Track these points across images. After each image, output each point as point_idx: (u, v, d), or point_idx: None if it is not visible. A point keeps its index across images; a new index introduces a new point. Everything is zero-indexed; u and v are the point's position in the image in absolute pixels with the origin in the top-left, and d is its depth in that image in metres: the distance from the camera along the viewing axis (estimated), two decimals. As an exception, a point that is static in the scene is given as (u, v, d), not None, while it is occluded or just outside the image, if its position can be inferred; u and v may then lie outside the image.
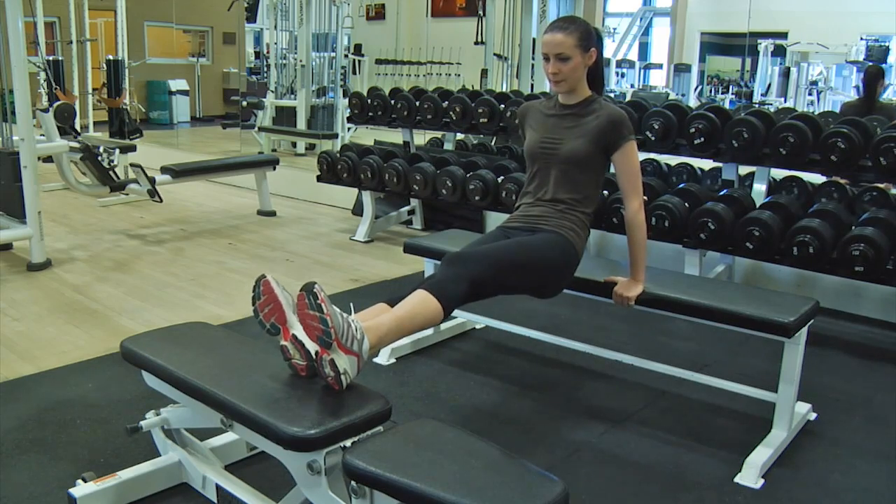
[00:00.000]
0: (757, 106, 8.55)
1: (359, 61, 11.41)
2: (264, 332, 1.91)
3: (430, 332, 3.30)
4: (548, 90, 7.65)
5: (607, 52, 12.56)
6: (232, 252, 4.95)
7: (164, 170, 5.59)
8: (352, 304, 1.91)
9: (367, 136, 7.64)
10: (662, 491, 2.30)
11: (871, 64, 7.54)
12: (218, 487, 2.08)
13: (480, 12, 8.67)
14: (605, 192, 4.06)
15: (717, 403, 2.85)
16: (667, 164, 5.03)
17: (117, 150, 6.38)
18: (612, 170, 2.60)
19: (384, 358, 3.17)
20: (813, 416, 2.79)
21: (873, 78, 5.48)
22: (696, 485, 2.34)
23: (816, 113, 5.72)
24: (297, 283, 2.14)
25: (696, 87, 11.36)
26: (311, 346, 1.84)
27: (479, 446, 1.69)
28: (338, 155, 5.41)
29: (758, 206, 3.89)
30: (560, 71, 2.44)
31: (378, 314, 2.12)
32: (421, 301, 2.09)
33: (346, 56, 10.33)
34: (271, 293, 1.87)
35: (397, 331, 2.03)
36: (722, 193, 3.98)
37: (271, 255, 4.89)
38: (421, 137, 6.18)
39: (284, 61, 9.77)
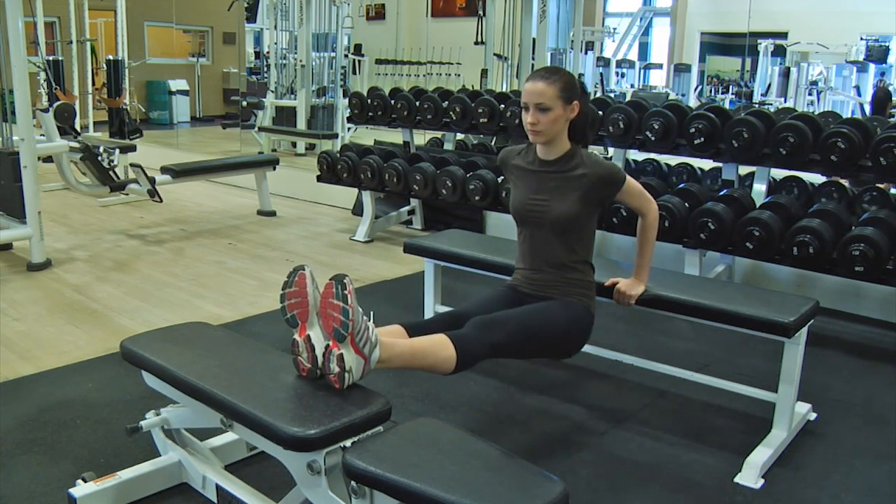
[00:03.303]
0: (757, 106, 8.54)
1: (359, 61, 11.40)
2: (283, 319, 1.91)
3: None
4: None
5: (607, 52, 12.56)
6: (232, 252, 4.95)
7: (164, 170, 5.59)
8: (371, 313, 1.92)
9: (367, 136, 7.64)
10: (662, 491, 2.30)
11: (879, 87, 7.60)
12: (218, 487, 2.08)
13: (480, 12, 8.67)
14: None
15: (717, 403, 2.85)
16: (667, 164, 5.04)
17: (117, 150, 6.38)
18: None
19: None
20: (813, 416, 2.79)
21: (881, 102, 5.52)
22: (696, 485, 2.34)
23: (816, 113, 5.72)
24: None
25: (696, 87, 11.36)
26: (320, 348, 1.84)
27: (479, 446, 1.69)
28: (338, 155, 5.42)
29: (758, 206, 3.89)
30: (539, 122, 2.30)
31: (393, 333, 2.12)
32: (440, 345, 2.09)
33: (346, 56, 10.33)
34: (303, 288, 1.87)
35: (409, 360, 2.03)
36: (722, 193, 3.98)
37: (271, 255, 4.89)
38: (421, 137, 6.18)
39: (284, 61, 9.77)
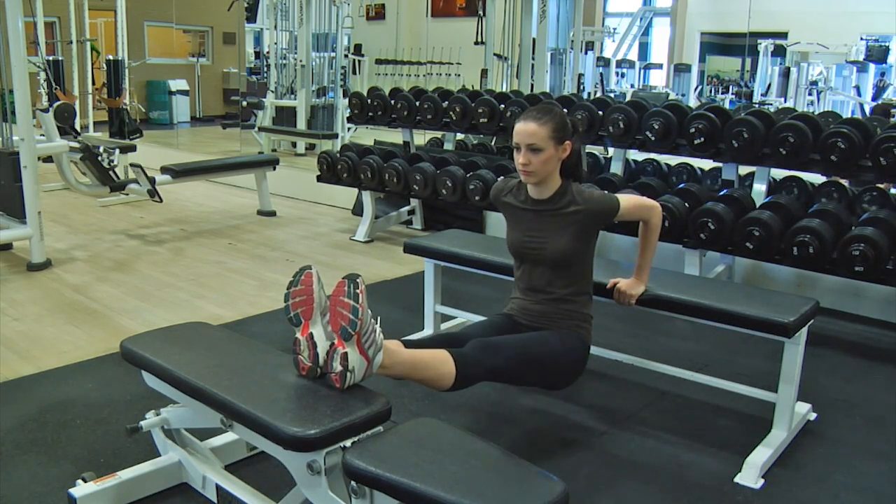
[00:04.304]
0: (757, 106, 8.54)
1: (359, 61, 11.40)
2: (286, 318, 1.91)
3: (429, 331, 3.30)
4: (548, 90, 7.66)
5: (607, 52, 12.55)
6: (232, 252, 4.95)
7: (164, 170, 5.59)
8: (379, 317, 1.92)
9: (367, 136, 7.64)
10: (662, 491, 2.30)
11: (878, 105, 7.62)
12: (218, 487, 2.08)
13: (480, 12, 8.67)
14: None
15: (717, 403, 2.85)
16: (667, 164, 5.04)
17: (117, 150, 6.38)
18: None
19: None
20: (813, 416, 2.79)
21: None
22: (696, 485, 2.34)
23: (816, 113, 5.73)
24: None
25: (696, 87, 11.35)
26: (323, 348, 1.84)
27: (479, 446, 1.69)
28: (338, 155, 5.42)
29: (758, 206, 3.89)
30: (530, 162, 2.29)
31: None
32: (441, 360, 2.10)
33: (346, 56, 10.32)
34: (309, 286, 1.88)
35: (409, 369, 2.04)
36: (722, 193, 3.98)
37: (271, 255, 4.89)
38: (421, 137, 6.18)
39: (284, 61, 9.77)
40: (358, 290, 1.80)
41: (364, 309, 1.81)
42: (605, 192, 2.46)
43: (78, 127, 7.32)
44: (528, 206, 2.44)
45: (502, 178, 2.66)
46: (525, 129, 2.30)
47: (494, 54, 8.69)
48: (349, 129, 8.55)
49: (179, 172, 5.64)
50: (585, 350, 2.45)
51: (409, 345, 2.17)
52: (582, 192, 2.38)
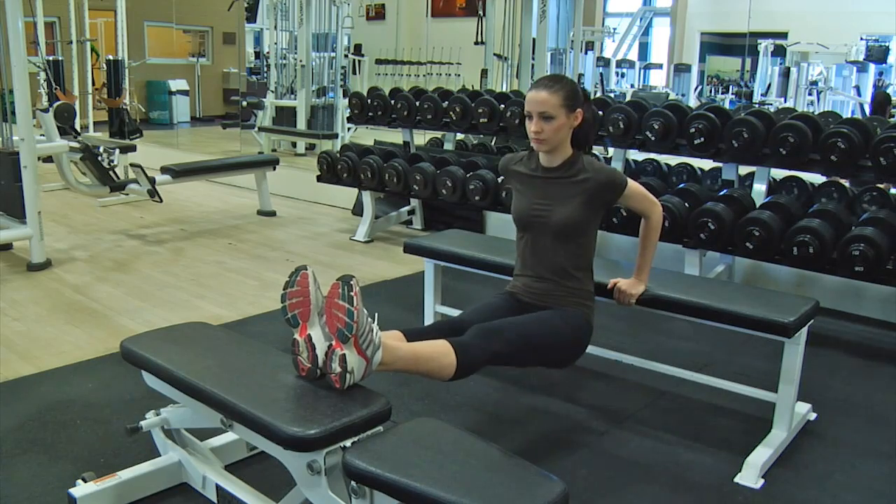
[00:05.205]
0: (757, 106, 8.54)
1: (359, 61, 11.40)
2: (283, 319, 1.91)
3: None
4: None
5: (607, 52, 12.55)
6: (232, 252, 4.95)
7: (164, 170, 5.59)
8: (376, 315, 1.92)
9: (367, 136, 7.64)
10: (662, 491, 2.30)
11: (878, 91, 7.62)
12: (218, 487, 2.08)
13: (480, 12, 8.67)
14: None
15: (717, 403, 2.85)
16: (667, 164, 5.04)
17: (117, 150, 6.38)
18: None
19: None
20: (813, 416, 2.79)
21: (881, 106, 5.54)
22: (696, 485, 2.34)
23: (816, 113, 5.73)
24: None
25: (696, 87, 11.35)
26: (321, 350, 1.84)
27: (479, 446, 1.69)
28: (338, 155, 5.42)
29: (758, 206, 3.89)
30: (542, 130, 2.31)
31: (392, 339, 2.12)
32: (442, 351, 2.10)
33: (346, 56, 10.33)
34: (305, 287, 1.88)
35: (410, 364, 2.04)
36: (722, 193, 3.98)
37: (271, 255, 4.89)
38: (421, 137, 6.18)
39: (284, 61, 9.78)
40: (352, 293, 1.79)
41: (359, 310, 1.80)
42: (616, 169, 2.46)
43: (78, 127, 7.31)
44: (539, 173, 2.45)
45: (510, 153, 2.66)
46: (537, 97, 2.32)
47: (494, 54, 8.69)
48: (349, 129, 8.55)
49: (179, 172, 5.64)
50: (588, 329, 2.45)
51: (410, 334, 2.17)
52: (593, 163, 2.41)
